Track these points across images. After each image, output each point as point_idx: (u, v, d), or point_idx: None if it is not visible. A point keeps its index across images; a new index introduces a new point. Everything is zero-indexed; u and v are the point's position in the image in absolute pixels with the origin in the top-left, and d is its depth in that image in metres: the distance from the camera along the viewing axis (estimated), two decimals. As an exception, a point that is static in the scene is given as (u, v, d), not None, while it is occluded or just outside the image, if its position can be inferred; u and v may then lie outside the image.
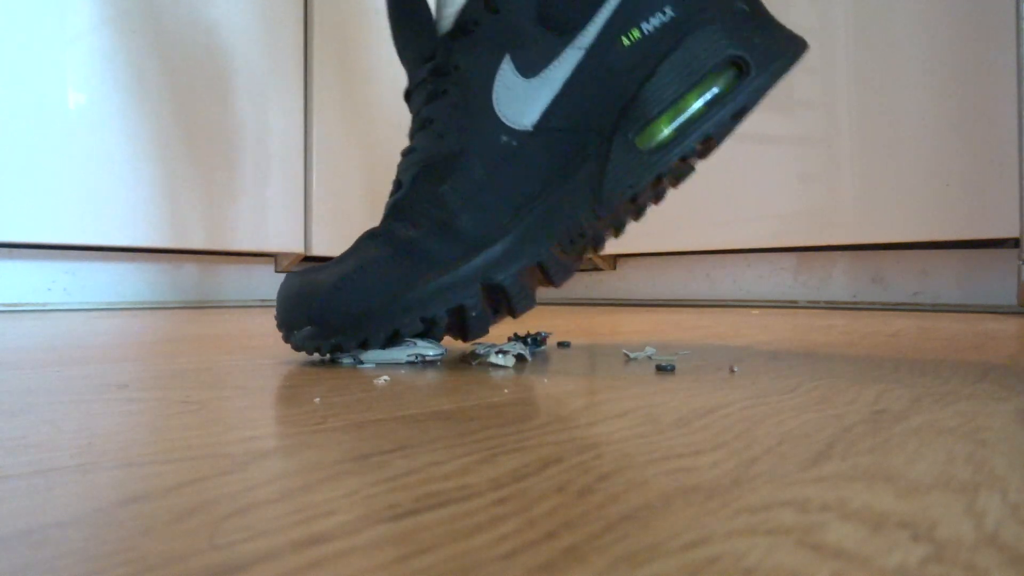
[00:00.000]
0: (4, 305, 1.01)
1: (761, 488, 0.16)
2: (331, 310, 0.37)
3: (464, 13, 0.39)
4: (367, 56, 1.36)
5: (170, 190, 1.12)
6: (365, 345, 0.37)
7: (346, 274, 0.37)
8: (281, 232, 1.26)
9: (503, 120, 0.38)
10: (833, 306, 1.09)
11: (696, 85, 0.39)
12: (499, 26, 0.39)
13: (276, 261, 1.32)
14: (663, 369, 0.35)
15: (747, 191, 1.13)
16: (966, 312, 0.93)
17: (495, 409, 0.25)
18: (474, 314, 0.37)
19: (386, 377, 0.32)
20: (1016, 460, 0.18)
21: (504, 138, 0.38)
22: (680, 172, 0.40)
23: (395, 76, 1.51)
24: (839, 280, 1.13)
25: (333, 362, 0.38)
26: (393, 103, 1.55)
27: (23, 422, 0.23)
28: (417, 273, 0.37)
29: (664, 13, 0.38)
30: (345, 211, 1.34)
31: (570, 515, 0.14)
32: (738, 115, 0.39)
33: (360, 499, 0.15)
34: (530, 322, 0.77)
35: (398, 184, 0.41)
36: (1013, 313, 0.89)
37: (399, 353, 0.38)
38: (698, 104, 0.39)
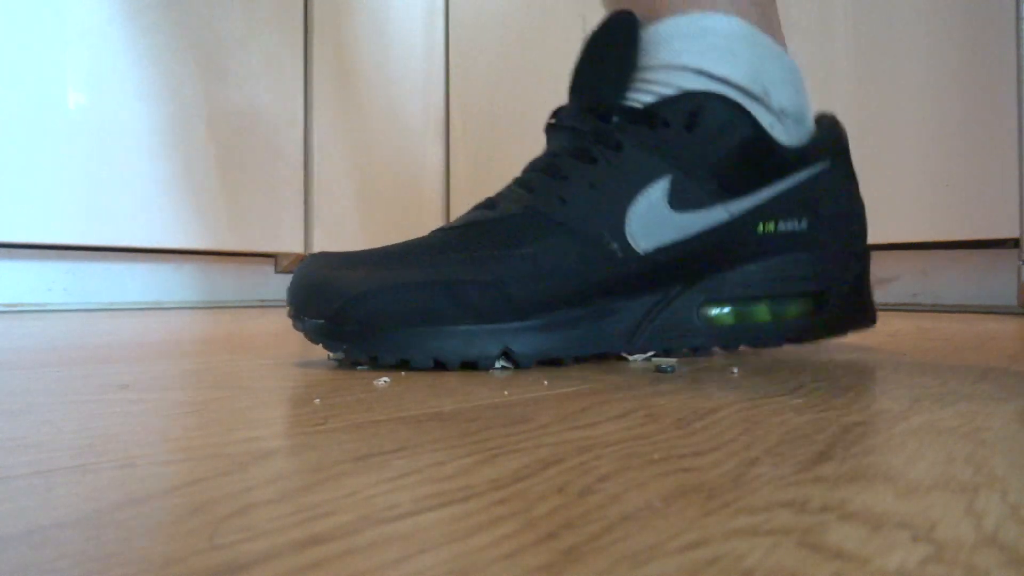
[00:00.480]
0: (4, 305, 1.01)
1: (761, 488, 0.16)
2: (349, 316, 0.36)
3: (660, 107, 0.39)
4: (367, 56, 1.36)
5: (170, 190, 1.12)
6: (373, 361, 0.36)
7: (377, 288, 0.36)
8: (281, 232, 1.26)
9: (625, 231, 0.38)
10: (833, 306, 1.09)
11: (778, 296, 0.41)
12: (682, 145, 0.38)
13: (276, 261, 1.32)
14: (663, 370, 0.35)
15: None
16: (966, 312, 0.93)
17: (495, 410, 0.25)
18: (485, 372, 0.37)
19: (386, 378, 0.32)
20: (1016, 460, 0.18)
21: (615, 246, 0.38)
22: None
23: (395, 77, 1.51)
24: (839, 280, 1.12)
25: (334, 361, 0.38)
26: (393, 104, 1.55)
27: (23, 422, 0.23)
28: (447, 316, 0.36)
29: (800, 222, 0.40)
30: (345, 211, 1.34)
31: (570, 516, 0.14)
32: (791, 341, 0.41)
33: (360, 500, 0.15)
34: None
35: (491, 203, 0.40)
36: (1013, 313, 0.89)
37: None
38: (766, 309, 0.41)
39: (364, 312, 0.35)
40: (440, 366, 0.36)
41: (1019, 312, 0.90)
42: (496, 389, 0.30)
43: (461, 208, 1.44)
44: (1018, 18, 0.89)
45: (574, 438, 0.20)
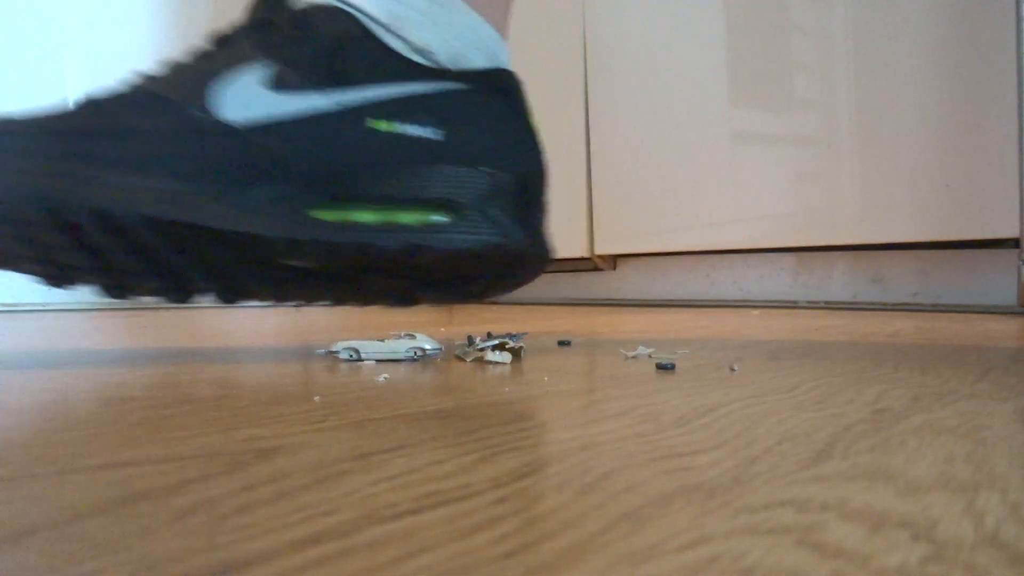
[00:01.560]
0: (4, 305, 1.01)
1: (761, 487, 0.16)
2: None
3: (271, 14, 0.39)
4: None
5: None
6: None
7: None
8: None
9: (206, 101, 0.37)
10: (833, 306, 1.09)
11: (422, 203, 0.38)
12: (287, 40, 0.39)
13: (276, 261, 1.32)
14: (663, 368, 0.35)
15: (747, 191, 1.13)
16: (966, 312, 0.93)
17: (495, 408, 0.25)
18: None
19: (386, 375, 0.32)
20: (1016, 460, 0.18)
21: (198, 114, 0.36)
22: (326, 259, 0.38)
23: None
24: (839, 280, 1.13)
25: (337, 360, 0.38)
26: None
27: (23, 422, 0.23)
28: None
29: (424, 128, 0.39)
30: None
31: (570, 514, 0.14)
32: (408, 252, 0.38)
33: (360, 498, 0.15)
34: (529, 322, 0.77)
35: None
36: (1013, 313, 0.89)
37: (398, 346, 0.38)
38: (376, 212, 0.38)
39: None
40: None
41: (1019, 312, 0.90)
42: (496, 387, 0.30)
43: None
44: (1018, 18, 0.89)
45: (574, 436, 0.20)
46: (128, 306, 1.11)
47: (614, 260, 1.37)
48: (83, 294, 1.09)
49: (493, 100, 0.41)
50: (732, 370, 0.35)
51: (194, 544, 0.12)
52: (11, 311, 0.98)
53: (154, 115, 0.36)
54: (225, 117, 0.36)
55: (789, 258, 1.17)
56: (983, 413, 0.24)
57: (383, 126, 0.38)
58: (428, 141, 0.39)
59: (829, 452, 0.19)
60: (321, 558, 0.12)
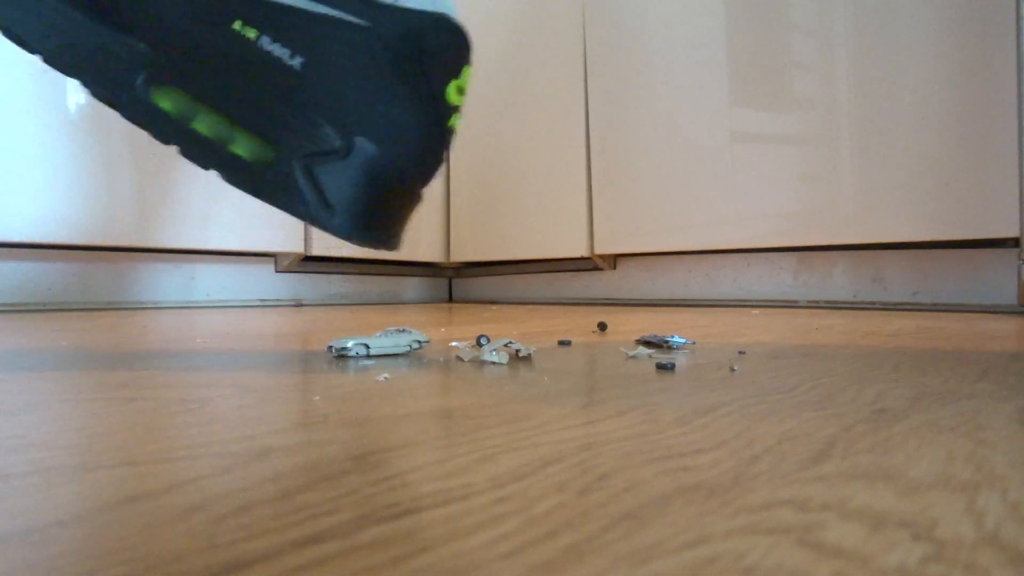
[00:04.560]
0: (4, 305, 1.01)
1: (761, 487, 0.16)
2: None
3: None
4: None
5: (171, 190, 1.12)
6: None
7: None
8: (281, 232, 1.26)
9: None
10: (833, 306, 1.09)
11: (232, 119, 0.35)
12: None
13: (276, 261, 1.32)
14: (663, 368, 0.35)
15: (747, 191, 1.13)
16: (966, 312, 0.93)
17: (495, 408, 0.25)
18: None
19: (386, 375, 0.32)
20: (1016, 459, 0.18)
21: None
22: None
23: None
24: (839, 280, 1.13)
25: (341, 358, 0.38)
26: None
27: (23, 422, 0.23)
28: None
29: (292, 56, 0.34)
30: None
31: (570, 514, 0.14)
32: (227, 179, 0.36)
33: (360, 498, 0.15)
34: (529, 322, 0.77)
35: None
36: (1013, 313, 0.89)
37: (401, 340, 0.41)
38: (209, 122, 0.35)
39: None
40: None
41: (1019, 312, 0.90)
42: (496, 387, 0.30)
43: (461, 209, 1.44)
44: (1018, 18, 0.89)
45: (574, 436, 0.20)
46: (129, 306, 1.11)
47: (614, 260, 1.37)
48: (87, 294, 1.08)
49: (389, 50, 0.34)
50: (732, 370, 0.35)
51: (194, 543, 0.12)
52: (11, 311, 0.98)
53: None
54: None
55: (789, 258, 1.17)
56: (983, 413, 0.24)
57: (250, 34, 0.33)
58: (282, 65, 0.33)
59: (829, 452, 0.19)
60: (321, 558, 0.12)
